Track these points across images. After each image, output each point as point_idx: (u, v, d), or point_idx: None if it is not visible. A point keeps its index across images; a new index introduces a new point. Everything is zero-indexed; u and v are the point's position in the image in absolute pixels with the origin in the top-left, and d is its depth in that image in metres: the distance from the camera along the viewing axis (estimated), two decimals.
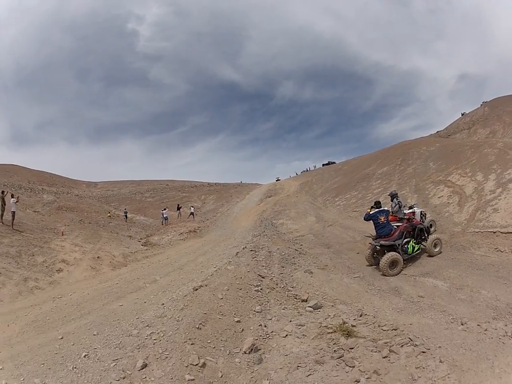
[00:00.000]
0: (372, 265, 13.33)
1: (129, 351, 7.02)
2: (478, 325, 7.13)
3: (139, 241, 27.10)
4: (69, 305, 11.65)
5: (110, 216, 36.86)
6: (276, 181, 79.27)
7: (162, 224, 37.42)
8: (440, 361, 5.66)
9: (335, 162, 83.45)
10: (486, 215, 15.24)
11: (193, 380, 6.20)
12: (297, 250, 16.82)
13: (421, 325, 7.56)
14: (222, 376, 6.50)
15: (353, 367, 6.09)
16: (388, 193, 16.59)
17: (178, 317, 8.32)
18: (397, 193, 15.70)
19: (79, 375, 6.34)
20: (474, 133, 59.21)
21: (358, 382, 5.61)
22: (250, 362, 6.97)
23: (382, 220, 12.93)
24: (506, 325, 6.88)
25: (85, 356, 7.04)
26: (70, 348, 7.65)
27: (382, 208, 13.36)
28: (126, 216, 39.08)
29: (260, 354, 7.18)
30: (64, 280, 15.49)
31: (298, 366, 6.56)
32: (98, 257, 18.89)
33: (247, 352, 7.23)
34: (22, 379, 6.42)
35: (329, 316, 8.62)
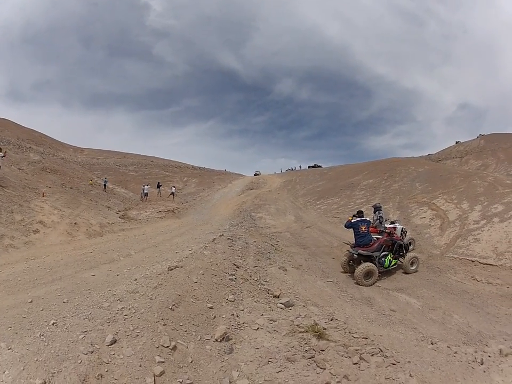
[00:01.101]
0: (347, 273, 13.33)
1: (98, 324, 6.79)
2: (448, 346, 7.15)
3: (117, 213, 26.87)
4: (42, 268, 11.44)
5: (91, 183, 36.53)
6: (254, 175, 76.13)
7: (141, 199, 37.39)
8: (410, 376, 5.64)
9: (321, 166, 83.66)
10: (466, 243, 15.41)
11: (163, 362, 6.04)
12: (273, 246, 16.76)
13: (390, 338, 7.58)
14: (192, 361, 6.36)
15: (324, 369, 6.01)
16: (372, 205, 16.77)
17: (151, 295, 8.14)
18: (380, 206, 15.75)
19: (46, 343, 6.06)
20: (466, 162, 60.20)
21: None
22: (221, 351, 6.86)
23: (363, 230, 12.94)
24: (476, 352, 6.87)
25: (53, 324, 6.77)
26: (39, 313, 7.43)
27: (364, 218, 13.39)
28: (105, 185, 38.70)
29: (231, 344, 7.08)
30: (39, 242, 15.33)
31: (269, 361, 6.48)
32: (75, 223, 18.70)
33: (219, 340, 7.12)
34: None
35: (300, 315, 8.45)
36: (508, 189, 20.16)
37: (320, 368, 6.00)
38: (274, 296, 9.76)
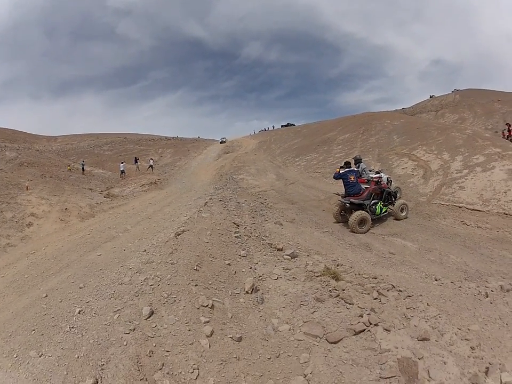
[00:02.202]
0: (339, 223, 13.69)
1: (128, 300, 6.76)
2: (451, 282, 7.54)
3: (100, 193, 27.08)
4: (45, 259, 11.13)
5: (70, 169, 36.00)
6: (220, 142, 68.88)
7: (121, 177, 37.24)
8: (428, 305, 6.06)
9: (294, 125, 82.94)
10: (451, 190, 16.01)
11: (209, 321, 6.16)
12: (262, 203, 17.03)
13: (397, 277, 7.92)
14: (232, 316, 6.53)
15: (352, 304, 6.39)
16: (352, 157, 16.84)
17: (170, 260, 8.19)
18: (361, 159, 16.05)
19: (80, 335, 5.84)
20: (442, 116, 60.48)
21: (361, 316, 5.91)
22: (254, 302, 7.07)
23: (352, 179, 13.26)
24: (478, 286, 7.25)
25: (79, 312, 6.58)
26: (59, 306, 7.13)
27: (351, 168, 13.72)
28: (83, 168, 38.08)
29: (261, 294, 7.33)
30: (35, 235, 15.28)
31: (301, 305, 6.73)
32: (66, 209, 18.71)
33: (249, 292, 7.33)
34: (15, 356, 5.62)
35: (308, 263, 8.76)
36: (487, 142, 20.69)
37: (349, 303, 6.39)
38: (278, 250, 9.96)
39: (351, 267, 8.57)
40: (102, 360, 5.17)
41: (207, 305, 6.53)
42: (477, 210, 13.98)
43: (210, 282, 7.43)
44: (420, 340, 5.23)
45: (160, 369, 5.18)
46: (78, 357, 5.26)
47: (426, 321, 5.66)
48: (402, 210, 13.89)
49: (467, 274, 8.41)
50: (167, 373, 5.16)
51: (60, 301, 7.34)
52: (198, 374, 5.22)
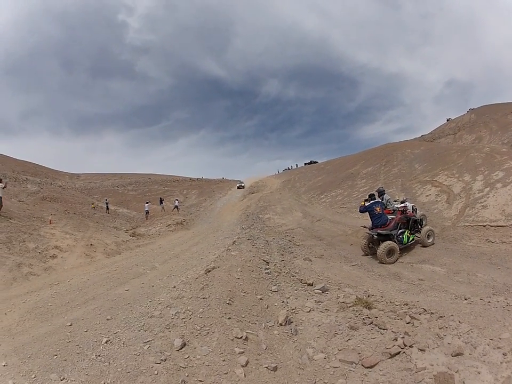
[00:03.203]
0: (368, 255, 13.87)
1: (159, 332, 6.76)
2: (480, 299, 7.65)
3: (126, 232, 26.81)
4: (70, 291, 11.03)
5: (94, 207, 36.54)
6: (238, 187, 61.43)
7: (146, 217, 37.46)
8: (459, 322, 6.20)
9: (317, 162, 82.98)
10: (475, 211, 16.16)
11: (243, 352, 6.19)
12: (290, 241, 16.95)
13: (427, 302, 8.04)
14: (266, 348, 6.57)
15: (386, 329, 6.52)
16: (376, 190, 16.76)
17: (202, 295, 8.16)
18: (384, 190, 16.06)
19: (107, 363, 5.84)
20: (460, 138, 60.54)
21: (396, 340, 6.05)
22: (288, 334, 7.13)
23: (378, 211, 13.50)
24: (506, 299, 7.35)
25: (107, 342, 6.59)
26: (85, 335, 7.17)
27: (376, 200, 13.97)
28: (107, 207, 38.86)
29: (295, 326, 7.38)
30: (59, 266, 15.06)
31: (335, 334, 6.84)
32: (91, 244, 18.55)
33: (283, 324, 7.39)
34: (33, 376, 5.64)
35: (339, 296, 8.78)
36: (505, 156, 21.05)
37: (383, 329, 6.55)
38: (308, 285, 9.98)
39: (382, 296, 8.73)
40: None
41: (241, 337, 6.62)
42: (501, 226, 14.19)
43: (243, 316, 7.52)
44: (454, 356, 5.35)
45: None
46: (104, 383, 5.32)
47: (459, 338, 5.77)
48: (428, 236, 14.04)
49: (495, 289, 8.69)
50: None
51: (85, 330, 7.43)
52: None
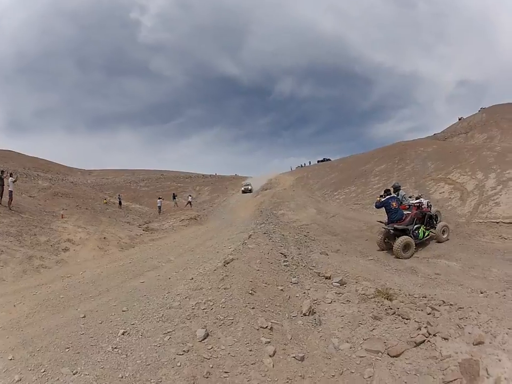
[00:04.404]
0: (383, 250, 14.04)
1: (179, 323, 6.67)
2: (496, 292, 8.04)
3: (139, 226, 26.87)
4: (83, 283, 10.87)
5: (106, 202, 36.59)
6: (243, 191, 52.26)
7: (159, 213, 37.64)
8: (479, 313, 6.38)
9: (330, 159, 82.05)
10: (488, 208, 16.56)
11: (270, 342, 6.18)
12: (306, 236, 17.03)
13: (444, 295, 8.23)
14: (291, 338, 6.55)
15: (409, 319, 6.60)
16: (391, 185, 16.72)
17: (222, 286, 8.07)
18: (399, 186, 16.00)
19: (125, 355, 5.74)
20: (472, 137, 60.30)
21: (420, 329, 6.18)
22: (313, 324, 7.11)
23: (394, 205, 13.68)
24: None
25: (123, 334, 6.48)
26: (99, 327, 7.05)
27: (392, 195, 14.15)
28: (120, 202, 39.01)
29: (318, 316, 7.35)
30: (71, 259, 15.01)
31: (359, 324, 6.86)
32: (104, 238, 18.58)
33: (307, 314, 7.39)
34: (42, 370, 5.52)
35: (358, 289, 8.71)
36: None
37: (406, 319, 6.65)
38: (326, 278, 9.91)
39: (399, 290, 8.78)
40: (152, 380, 5.13)
41: (266, 327, 6.58)
42: None
43: (266, 306, 7.46)
44: (476, 344, 5.49)
45: None
46: (122, 376, 5.20)
47: (479, 327, 5.89)
48: (443, 232, 14.29)
49: (509, 284, 8.95)
50: None
51: (100, 322, 7.29)
52: None
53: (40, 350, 6.13)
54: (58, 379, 5.24)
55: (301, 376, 5.61)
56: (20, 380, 5.31)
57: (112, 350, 5.89)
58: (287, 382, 5.47)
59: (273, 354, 5.90)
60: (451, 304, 7.03)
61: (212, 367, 5.47)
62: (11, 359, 5.86)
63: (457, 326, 6.12)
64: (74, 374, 5.29)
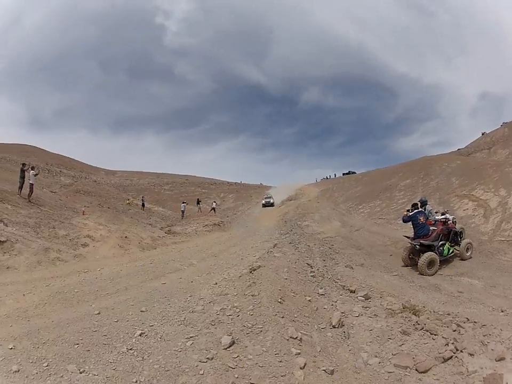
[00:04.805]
0: (407, 266, 14.06)
1: (203, 328, 6.58)
2: None
3: (161, 229, 26.83)
4: (100, 279, 10.64)
5: (129, 203, 37.34)
6: (264, 205, 47.44)
7: (182, 217, 37.82)
8: (501, 330, 6.80)
9: (355, 172, 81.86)
10: (510, 226, 16.84)
11: (300, 353, 6.06)
12: (330, 248, 17.07)
13: (467, 313, 8.54)
14: (320, 350, 6.53)
15: (437, 335, 6.82)
16: (418, 200, 16.76)
17: (250, 292, 7.98)
18: (426, 200, 16.04)
19: (141, 358, 5.57)
20: (494, 153, 59.69)
21: (447, 345, 6.46)
22: (342, 337, 7.18)
23: (421, 220, 13.72)
24: None
25: (141, 335, 6.30)
26: (114, 325, 6.81)
27: (420, 210, 14.21)
28: (143, 204, 39.47)
29: (347, 329, 7.45)
30: (90, 255, 14.83)
31: (388, 339, 6.98)
32: (125, 237, 18.29)
33: (336, 326, 7.47)
34: (45, 364, 5.27)
35: (383, 304, 8.94)
36: None
37: (434, 334, 6.88)
38: (351, 291, 10.01)
39: (423, 306, 8.92)
40: None
41: (296, 337, 6.47)
42: None
43: (295, 316, 7.44)
44: (498, 360, 5.80)
45: None
46: (136, 381, 5.03)
47: (501, 344, 6.22)
48: (467, 249, 14.43)
49: None
50: None
51: (115, 320, 7.06)
52: None
53: (46, 343, 5.90)
54: (62, 376, 5.04)
55: None
56: (18, 370, 5.09)
57: (127, 351, 5.76)
58: None
59: (304, 366, 5.81)
60: (475, 322, 7.37)
61: (237, 377, 5.35)
62: (11, 348, 5.63)
63: (481, 343, 6.45)
64: (81, 373, 5.10)
